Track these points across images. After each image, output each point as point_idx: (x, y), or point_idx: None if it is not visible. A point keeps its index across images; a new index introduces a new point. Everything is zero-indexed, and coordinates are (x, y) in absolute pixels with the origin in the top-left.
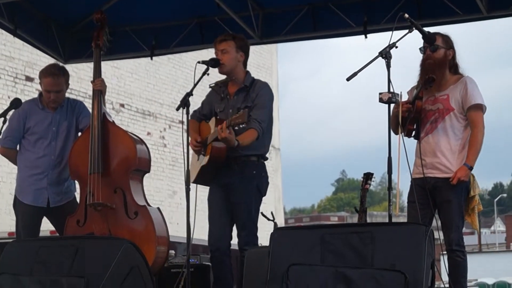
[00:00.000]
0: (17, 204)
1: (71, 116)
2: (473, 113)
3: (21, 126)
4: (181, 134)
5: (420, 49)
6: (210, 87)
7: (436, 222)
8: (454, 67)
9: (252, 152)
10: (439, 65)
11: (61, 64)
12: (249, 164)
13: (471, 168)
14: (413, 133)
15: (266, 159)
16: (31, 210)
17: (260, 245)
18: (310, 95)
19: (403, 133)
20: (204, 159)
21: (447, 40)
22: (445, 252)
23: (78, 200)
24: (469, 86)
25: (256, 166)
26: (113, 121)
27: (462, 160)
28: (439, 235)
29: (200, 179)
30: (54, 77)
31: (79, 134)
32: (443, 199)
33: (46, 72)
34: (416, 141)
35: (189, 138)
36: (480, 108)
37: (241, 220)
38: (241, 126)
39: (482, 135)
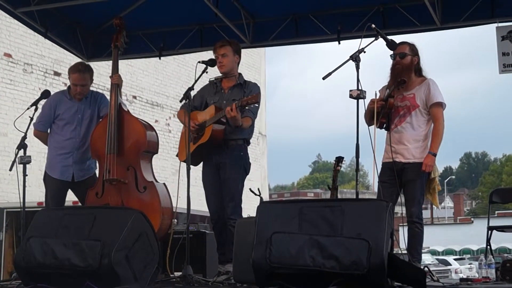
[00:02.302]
0: (47, 178)
1: (94, 106)
2: (435, 109)
3: (51, 113)
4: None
5: (390, 55)
6: (210, 80)
7: (400, 199)
8: (419, 71)
9: (240, 137)
10: (406, 69)
11: (86, 62)
12: (237, 147)
13: (435, 155)
14: (384, 125)
15: (249, 143)
16: (58, 183)
17: (248, 215)
18: (298, 90)
19: (374, 125)
20: (203, 138)
21: (413, 48)
22: (404, 224)
23: (97, 176)
24: (432, 87)
25: (243, 149)
26: (128, 110)
27: (424, 148)
28: (401, 210)
29: (193, 158)
30: (80, 73)
31: (100, 120)
32: (408, 179)
33: (74, 69)
34: (386, 132)
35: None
36: (441, 105)
37: (230, 193)
38: (252, 106)
39: (442, 128)
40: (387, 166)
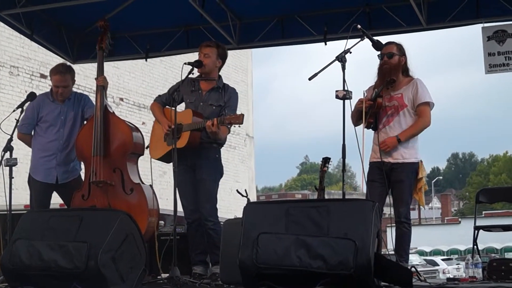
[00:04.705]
0: (31, 181)
1: (77, 108)
2: (421, 107)
3: (35, 115)
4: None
5: (378, 55)
6: (191, 78)
7: (388, 199)
8: (406, 71)
9: (215, 140)
10: (394, 69)
11: (68, 63)
12: (213, 149)
13: (399, 141)
14: (372, 125)
15: (222, 146)
16: (42, 186)
17: (235, 217)
18: (290, 91)
19: (363, 125)
20: (180, 143)
21: (400, 48)
22: (392, 225)
23: (82, 177)
24: (419, 86)
25: (217, 151)
26: (113, 112)
27: (412, 148)
28: (390, 211)
29: (167, 158)
30: (61, 75)
31: (85, 122)
32: (397, 179)
33: (54, 71)
34: (373, 132)
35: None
36: (428, 104)
37: (206, 194)
38: (234, 126)
39: (423, 125)
40: (375, 165)
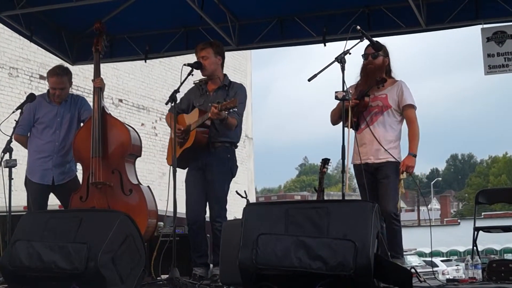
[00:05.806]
0: (28, 182)
1: (74, 109)
2: (408, 111)
3: (31, 116)
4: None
5: (362, 55)
6: (194, 83)
7: None
8: (388, 72)
9: (226, 139)
10: (378, 69)
11: (65, 65)
12: (224, 149)
13: (415, 156)
14: (354, 124)
15: (237, 147)
16: (38, 187)
17: (234, 218)
18: (292, 92)
19: (348, 125)
20: (188, 143)
21: (384, 49)
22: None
23: (79, 179)
24: (404, 89)
25: (229, 151)
26: (110, 113)
27: (396, 148)
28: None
29: (180, 162)
30: (58, 77)
31: (81, 124)
32: (382, 176)
33: (51, 72)
34: (355, 132)
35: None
36: (413, 107)
37: (216, 195)
38: (231, 110)
39: (418, 129)
40: (360, 168)
